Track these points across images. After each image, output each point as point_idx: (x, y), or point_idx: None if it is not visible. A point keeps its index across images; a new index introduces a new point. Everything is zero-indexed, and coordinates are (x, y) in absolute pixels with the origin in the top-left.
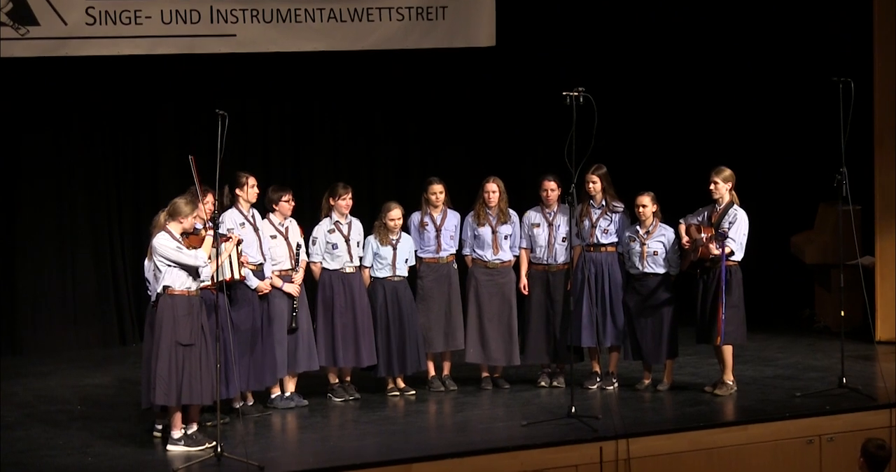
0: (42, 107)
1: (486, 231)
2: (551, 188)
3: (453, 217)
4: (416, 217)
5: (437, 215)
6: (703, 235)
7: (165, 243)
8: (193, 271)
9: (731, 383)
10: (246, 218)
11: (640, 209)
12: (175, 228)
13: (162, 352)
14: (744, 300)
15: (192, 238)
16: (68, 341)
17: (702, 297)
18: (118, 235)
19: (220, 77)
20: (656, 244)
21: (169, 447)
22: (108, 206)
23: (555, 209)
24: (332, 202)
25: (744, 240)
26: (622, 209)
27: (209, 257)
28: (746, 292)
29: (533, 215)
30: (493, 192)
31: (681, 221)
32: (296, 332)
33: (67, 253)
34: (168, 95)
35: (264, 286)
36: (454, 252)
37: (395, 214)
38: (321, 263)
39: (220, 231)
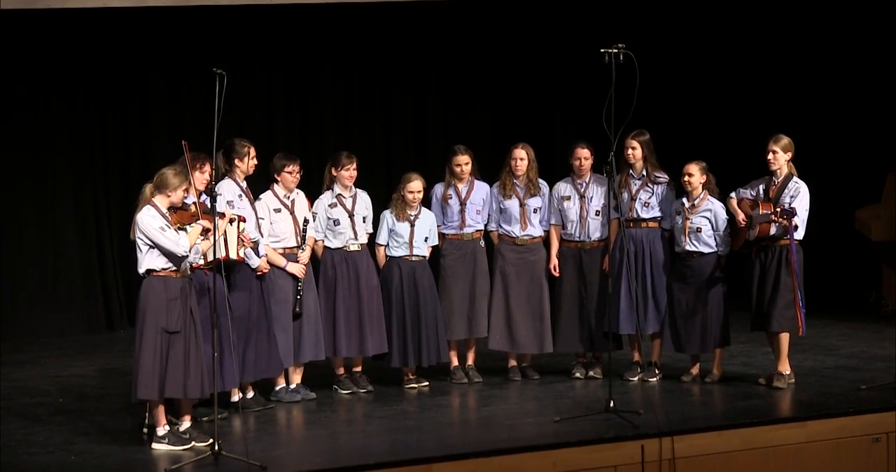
0: (19, 69)
1: (513, 204)
2: (584, 156)
3: (481, 189)
4: (438, 189)
5: (463, 187)
6: (762, 210)
7: (149, 219)
8: (172, 258)
9: (787, 374)
10: (242, 190)
11: (687, 179)
12: (162, 201)
13: (146, 341)
14: (804, 283)
15: (180, 213)
16: (50, 326)
17: (759, 279)
18: (105, 209)
19: (217, 33)
20: (700, 219)
21: (154, 445)
22: (94, 177)
23: (587, 180)
24: (334, 173)
25: (805, 216)
26: (666, 181)
27: (202, 235)
28: (806, 273)
29: (563, 187)
30: (522, 159)
31: (732, 195)
32: (301, 317)
33: (49, 230)
34: (160, 54)
35: (264, 265)
36: (481, 229)
37: (415, 186)
38: (323, 241)
39: (219, 206)
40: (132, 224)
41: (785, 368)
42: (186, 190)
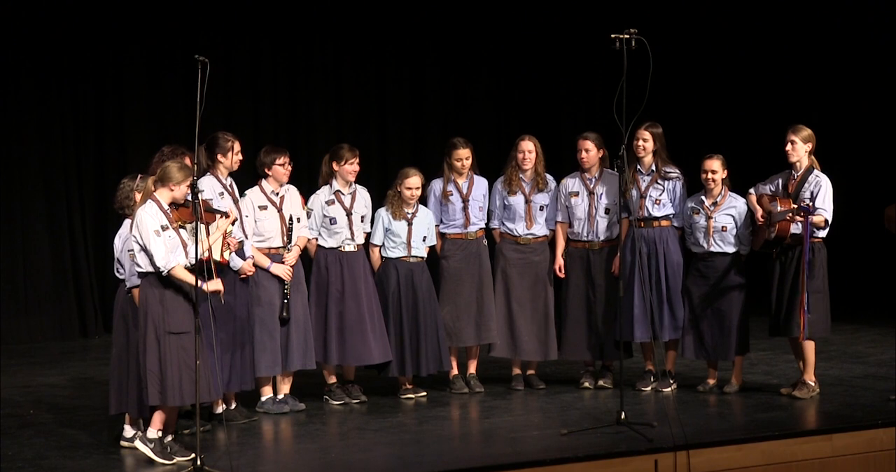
0: None
1: (518, 200)
2: (586, 149)
3: (481, 185)
4: (437, 186)
5: (463, 183)
6: (780, 207)
7: (149, 218)
8: (151, 265)
9: (812, 383)
10: (224, 187)
11: (709, 176)
12: (163, 196)
13: (150, 344)
14: (828, 285)
15: (181, 210)
16: (18, 333)
17: (779, 281)
18: (78, 208)
19: (199, 16)
20: (725, 218)
21: (137, 443)
22: (66, 172)
23: (596, 175)
24: (335, 167)
25: (830, 212)
26: (677, 176)
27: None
28: (830, 274)
29: (570, 183)
30: (529, 152)
31: (751, 190)
32: (288, 322)
33: (17, 228)
34: (137, 39)
35: (248, 268)
36: (484, 226)
37: (414, 182)
38: (317, 239)
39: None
40: (131, 222)
41: (810, 377)
42: (188, 184)
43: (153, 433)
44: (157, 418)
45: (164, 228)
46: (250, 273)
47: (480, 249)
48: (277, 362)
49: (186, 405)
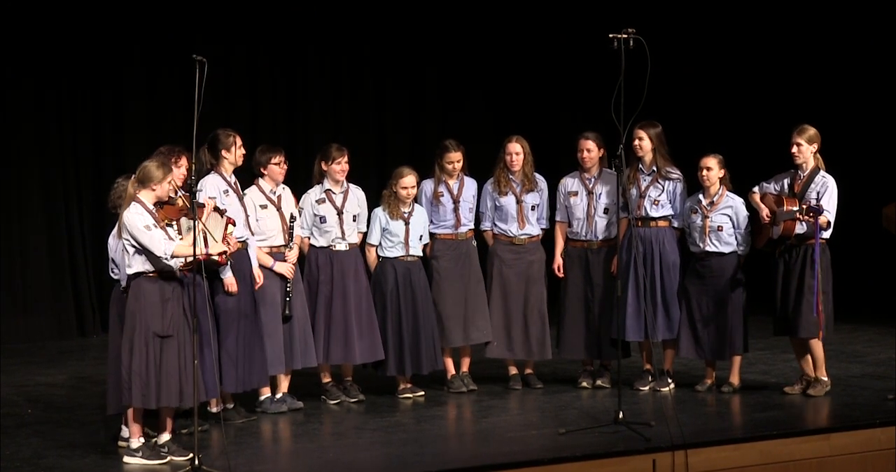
0: None
1: (509, 201)
2: (588, 149)
3: (471, 185)
4: (427, 186)
5: (454, 184)
6: (787, 207)
7: (135, 219)
8: (153, 259)
9: (826, 380)
10: (229, 185)
11: (705, 173)
12: (147, 197)
13: (137, 345)
14: (833, 285)
15: (167, 209)
16: (16, 332)
17: (783, 281)
18: (76, 207)
19: (197, 14)
20: (721, 217)
21: (126, 458)
22: (65, 172)
23: (595, 175)
24: (324, 167)
25: (834, 213)
26: (678, 176)
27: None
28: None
29: (569, 182)
30: (517, 153)
31: (754, 190)
32: (290, 320)
33: (15, 228)
34: (135, 38)
35: (230, 282)
36: (473, 227)
37: (409, 181)
38: (310, 238)
39: (199, 200)
40: (118, 223)
41: (822, 373)
42: (171, 182)
43: (136, 442)
44: (135, 428)
45: (150, 228)
46: (233, 290)
47: (470, 249)
48: (281, 360)
49: (182, 407)
